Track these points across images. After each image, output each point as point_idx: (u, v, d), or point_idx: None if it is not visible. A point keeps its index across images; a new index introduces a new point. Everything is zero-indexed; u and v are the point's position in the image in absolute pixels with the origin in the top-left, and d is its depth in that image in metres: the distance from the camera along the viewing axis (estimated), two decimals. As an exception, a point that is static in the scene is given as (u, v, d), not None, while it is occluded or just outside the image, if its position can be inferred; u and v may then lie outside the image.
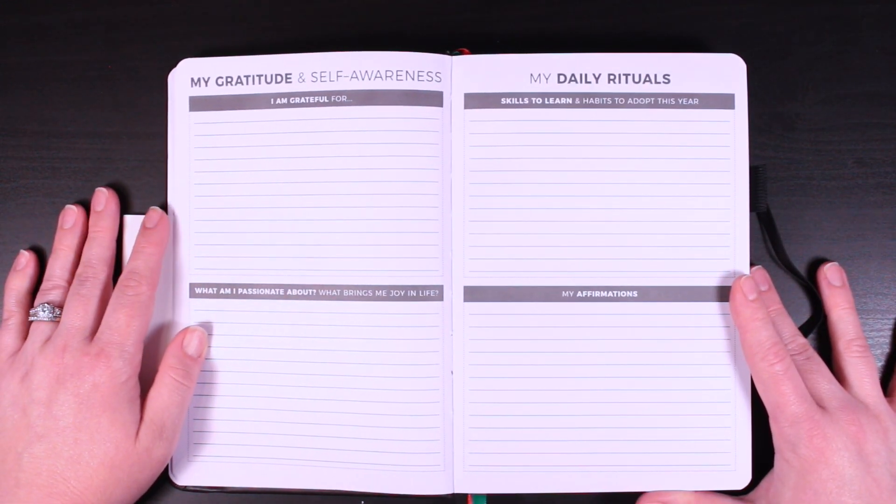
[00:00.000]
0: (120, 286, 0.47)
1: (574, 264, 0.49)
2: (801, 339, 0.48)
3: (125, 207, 0.51)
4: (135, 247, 0.48)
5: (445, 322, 0.49)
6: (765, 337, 0.46)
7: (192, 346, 0.48)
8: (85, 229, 0.51)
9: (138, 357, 0.46)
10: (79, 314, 0.46)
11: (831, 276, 0.49)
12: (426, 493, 0.48)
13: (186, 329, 0.48)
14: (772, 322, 0.47)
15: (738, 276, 0.47)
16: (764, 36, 0.51)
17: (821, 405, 0.45)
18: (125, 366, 0.45)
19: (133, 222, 0.51)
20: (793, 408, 0.44)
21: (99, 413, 0.44)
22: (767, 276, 0.49)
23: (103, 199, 0.50)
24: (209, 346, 0.49)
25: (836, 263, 0.49)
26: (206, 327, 0.49)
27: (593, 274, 0.49)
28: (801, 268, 0.51)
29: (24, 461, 0.44)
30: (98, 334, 0.46)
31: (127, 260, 0.50)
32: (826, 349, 0.50)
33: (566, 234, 0.49)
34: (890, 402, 0.47)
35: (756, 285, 0.47)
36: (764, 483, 0.47)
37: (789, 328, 0.48)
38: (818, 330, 0.50)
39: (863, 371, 0.47)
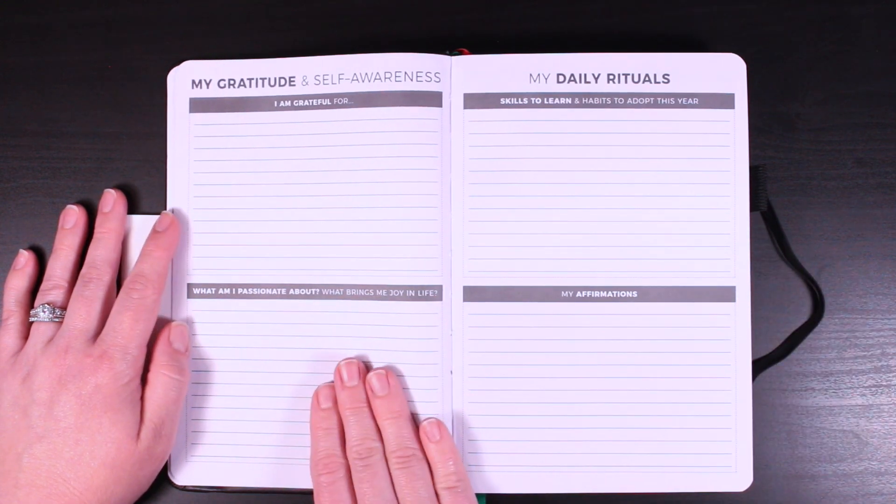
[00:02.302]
0: (126, 289, 0.47)
1: (574, 264, 0.49)
2: (365, 444, 0.46)
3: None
4: (143, 249, 0.48)
5: (445, 322, 0.49)
6: (321, 448, 0.46)
7: (178, 340, 0.48)
8: (86, 229, 0.51)
9: (141, 360, 0.47)
10: (81, 316, 0.46)
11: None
12: (426, 493, 0.48)
13: (168, 325, 0.49)
14: (337, 430, 0.46)
15: (318, 387, 0.47)
16: (764, 36, 0.51)
17: None
18: (128, 368, 0.45)
19: (137, 223, 0.51)
20: None
21: (100, 414, 0.44)
22: (358, 369, 0.47)
23: (111, 201, 0.50)
24: (192, 338, 0.49)
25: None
26: (206, 328, 0.50)
27: (593, 274, 0.49)
28: (801, 268, 0.51)
29: (24, 462, 0.44)
30: (102, 336, 0.46)
31: (130, 261, 0.50)
32: (826, 348, 0.50)
33: (566, 234, 0.49)
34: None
35: (332, 394, 0.47)
36: None
37: (359, 429, 0.46)
38: (817, 329, 0.50)
39: (405, 481, 0.45)
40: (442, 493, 0.45)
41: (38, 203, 0.52)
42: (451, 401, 0.49)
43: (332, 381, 0.48)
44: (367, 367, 0.48)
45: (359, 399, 0.47)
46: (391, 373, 0.47)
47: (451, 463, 0.46)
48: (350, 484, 0.45)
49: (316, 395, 0.47)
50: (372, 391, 0.47)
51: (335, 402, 0.47)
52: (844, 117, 0.51)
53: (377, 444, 0.46)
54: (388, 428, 0.46)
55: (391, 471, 0.45)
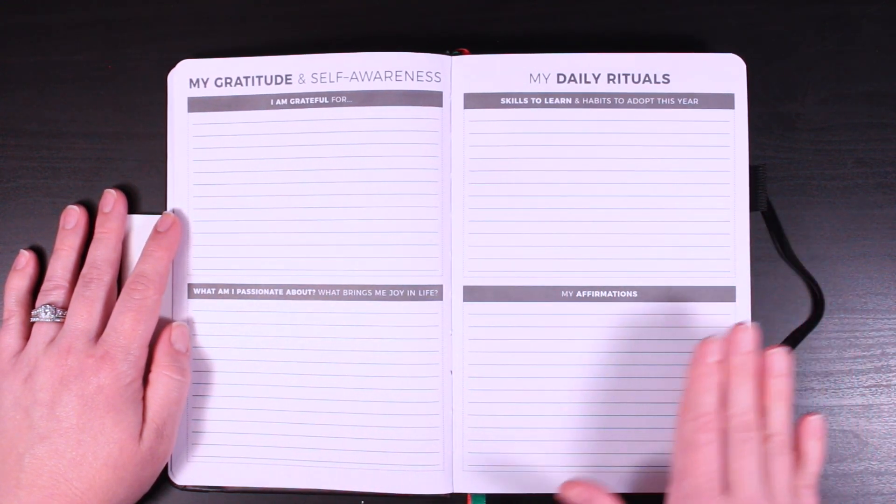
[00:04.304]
0: (127, 289, 0.47)
1: (573, 264, 0.49)
2: (749, 417, 0.45)
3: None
4: (144, 250, 0.49)
5: (445, 322, 0.49)
6: (703, 402, 0.45)
7: (179, 341, 0.48)
8: (87, 230, 0.51)
9: (143, 360, 0.47)
10: (83, 316, 0.47)
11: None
12: (426, 493, 0.48)
13: (169, 326, 0.49)
14: (721, 389, 0.45)
15: (706, 338, 0.46)
16: (764, 36, 0.51)
17: (730, 489, 0.43)
18: (130, 369, 0.45)
19: (138, 223, 0.51)
20: (693, 480, 0.44)
21: (103, 414, 0.44)
22: (757, 337, 0.46)
23: (111, 201, 0.50)
24: (192, 338, 0.50)
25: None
26: (207, 328, 0.50)
27: (593, 274, 0.49)
28: (801, 268, 0.51)
29: (25, 462, 0.44)
30: (103, 336, 0.46)
31: (131, 261, 0.50)
32: (826, 348, 0.50)
33: (566, 234, 0.49)
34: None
35: (723, 348, 0.46)
36: None
37: (746, 399, 0.45)
38: (817, 329, 0.50)
39: (782, 467, 0.45)
40: (803, 490, 0.45)
41: (38, 203, 0.52)
42: (451, 401, 0.49)
43: (720, 336, 0.46)
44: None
45: (753, 367, 0.46)
46: (790, 354, 0.46)
47: (819, 464, 0.45)
48: (722, 448, 0.44)
49: (704, 345, 0.46)
50: (771, 367, 0.46)
51: (722, 359, 0.46)
52: (844, 117, 0.51)
53: (759, 419, 0.45)
54: (776, 409, 0.45)
55: (767, 451, 0.44)
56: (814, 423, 0.46)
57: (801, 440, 0.46)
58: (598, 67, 0.49)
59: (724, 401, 0.45)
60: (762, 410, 0.45)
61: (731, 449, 0.44)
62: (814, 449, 0.45)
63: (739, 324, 0.47)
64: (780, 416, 0.45)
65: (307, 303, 0.49)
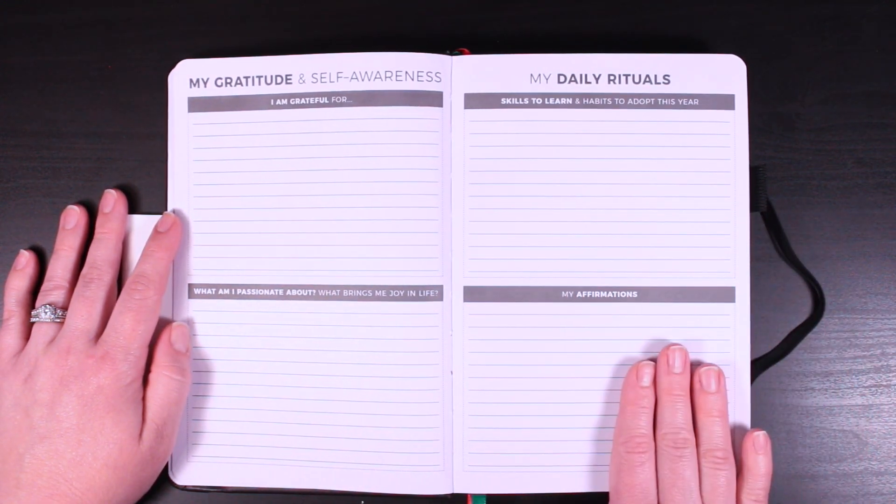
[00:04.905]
0: (127, 289, 0.47)
1: (574, 264, 0.49)
2: (682, 434, 0.46)
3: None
4: (145, 250, 0.48)
5: (445, 322, 0.49)
6: (636, 424, 0.46)
7: (179, 341, 0.48)
8: (87, 230, 0.51)
9: (143, 361, 0.47)
10: (83, 316, 0.46)
11: (705, 381, 0.47)
12: (426, 493, 0.48)
13: (170, 326, 0.49)
14: (652, 410, 0.47)
15: (637, 363, 0.47)
16: (764, 36, 0.51)
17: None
18: (130, 369, 0.45)
19: (138, 223, 0.51)
20: (630, 499, 0.45)
21: (103, 415, 0.44)
22: (686, 358, 0.47)
23: (112, 201, 0.50)
24: (192, 338, 0.50)
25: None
26: (207, 328, 0.50)
27: (593, 274, 0.49)
28: (801, 268, 0.51)
29: (25, 462, 0.44)
30: (103, 337, 0.46)
31: (131, 261, 0.50)
32: (826, 348, 0.50)
33: (566, 234, 0.49)
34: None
35: (652, 373, 0.47)
36: None
37: (677, 418, 0.46)
38: (817, 329, 0.50)
39: (716, 482, 0.45)
40: (748, 503, 0.46)
41: (38, 203, 0.52)
42: (451, 401, 0.49)
43: (650, 360, 0.48)
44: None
45: (683, 387, 0.47)
46: (721, 372, 0.47)
47: (766, 478, 0.46)
48: (655, 466, 0.46)
49: (635, 370, 0.47)
50: (701, 385, 0.47)
51: (654, 381, 0.47)
52: (844, 117, 0.51)
53: (692, 437, 0.46)
54: (709, 426, 0.46)
55: (702, 467, 0.45)
56: (758, 439, 0.46)
57: (746, 455, 0.46)
58: (599, 68, 0.49)
59: (657, 422, 0.47)
60: (698, 428, 0.46)
61: (664, 466, 0.45)
62: (760, 464, 0.46)
63: (669, 345, 0.48)
64: (717, 432, 0.46)
65: (307, 303, 0.49)
